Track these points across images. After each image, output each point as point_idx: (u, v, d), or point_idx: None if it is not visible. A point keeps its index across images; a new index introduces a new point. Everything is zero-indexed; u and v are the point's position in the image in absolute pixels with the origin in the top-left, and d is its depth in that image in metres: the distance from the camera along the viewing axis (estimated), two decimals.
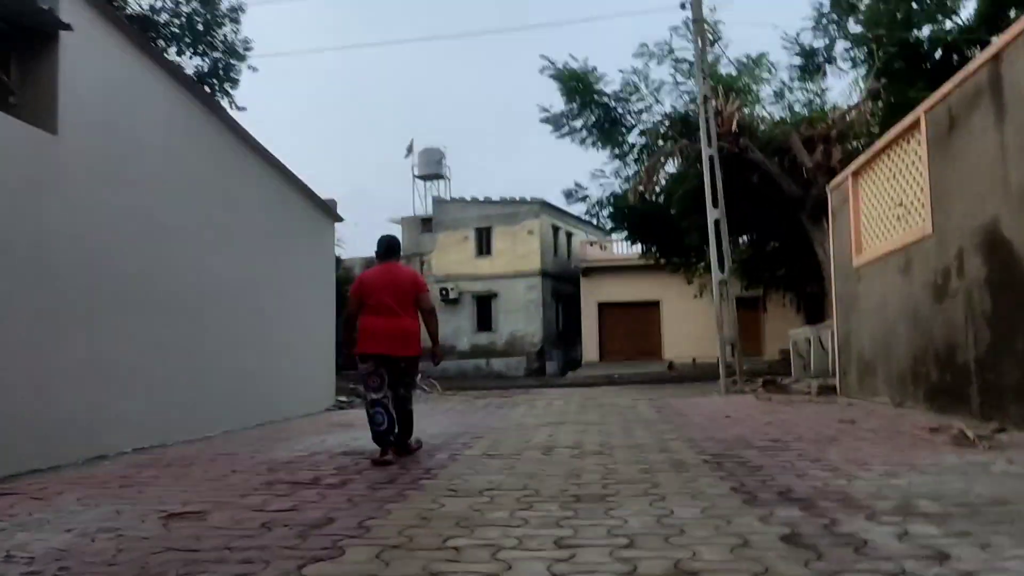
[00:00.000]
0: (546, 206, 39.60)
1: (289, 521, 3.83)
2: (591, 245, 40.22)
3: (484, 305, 39.36)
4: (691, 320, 36.16)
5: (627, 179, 18.38)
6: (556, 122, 18.75)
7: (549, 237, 40.01)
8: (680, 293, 34.64)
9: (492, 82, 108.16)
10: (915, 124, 8.65)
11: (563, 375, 36.19)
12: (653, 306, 37.83)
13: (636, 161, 18.35)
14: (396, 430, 6.12)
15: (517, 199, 39.76)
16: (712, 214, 13.86)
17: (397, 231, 43.08)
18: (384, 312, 6.13)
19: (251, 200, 10.23)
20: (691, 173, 16.50)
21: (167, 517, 3.96)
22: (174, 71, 8.20)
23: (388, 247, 6.53)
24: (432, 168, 44.60)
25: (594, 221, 20.29)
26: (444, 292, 38.84)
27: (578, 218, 43.19)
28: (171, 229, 8.02)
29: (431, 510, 4.05)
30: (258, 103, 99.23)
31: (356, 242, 64.46)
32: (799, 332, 15.63)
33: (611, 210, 19.98)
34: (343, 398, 13.03)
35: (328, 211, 12.88)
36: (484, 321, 39.32)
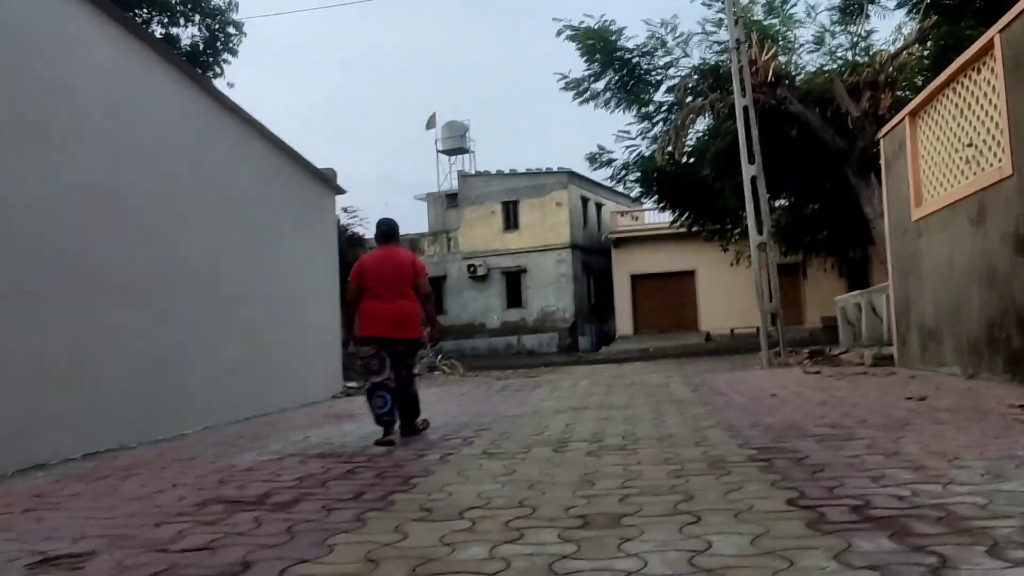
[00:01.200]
0: (574, 176, 38.33)
1: (189, 568, 2.84)
2: (622, 215, 38.94)
3: (513, 281, 38.33)
4: (728, 290, 34.90)
5: (655, 139, 17.07)
6: (577, 87, 17.42)
7: (578, 208, 38.79)
8: (716, 262, 33.42)
9: (514, 53, 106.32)
10: (986, 49, 7.38)
11: (596, 350, 35.13)
12: (688, 276, 36.60)
13: (664, 121, 17.05)
14: (397, 412, 6.21)
15: (544, 170, 38.53)
16: (748, 171, 12.62)
17: (422, 208, 42.22)
18: (383, 296, 6.16)
19: (229, 168, 9.25)
20: (724, 129, 15.21)
21: (37, 564, 2.99)
22: (121, 17, 7.16)
23: (387, 231, 6.51)
24: (456, 142, 43.48)
25: (620, 187, 18.89)
26: (472, 269, 37.90)
27: (608, 188, 41.88)
28: (123, 198, 7.04)
29: (387, 545, 3.04)
30: (275, 88, 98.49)
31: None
32: (847, 298, 14.38)
33: (638, 174, 18.58)
34: (353, 383, 12.09)
35: (327, 182, 11.84)
36: (514, 298, 38.32)
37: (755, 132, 12.55)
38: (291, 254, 10.70)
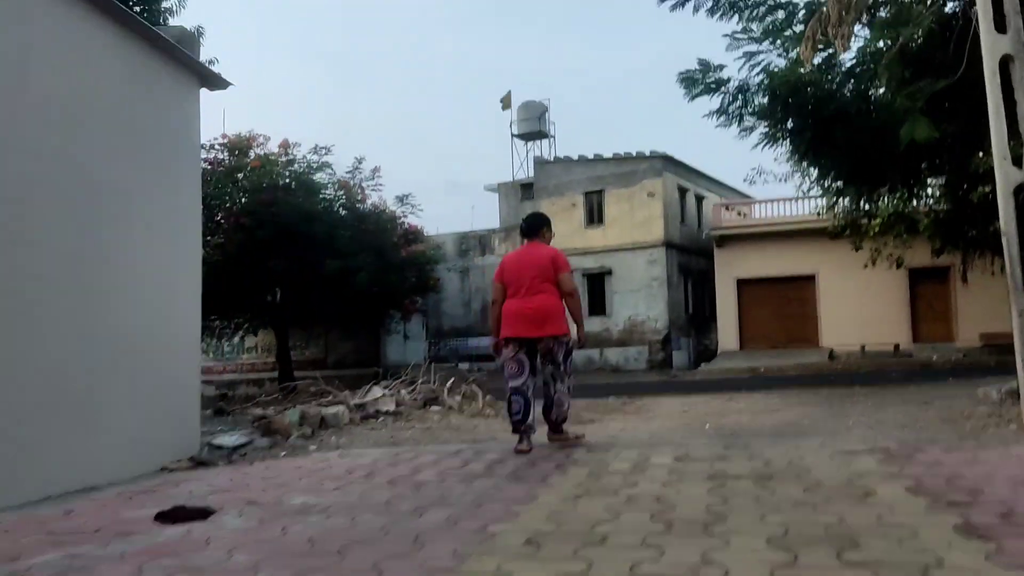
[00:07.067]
0: (670, 162, 32.26)
1: None
2: (727, 209, 32.60)
3: (596, 284, 32.39)
4: (857, 297, 28.59)
5: (794, 40, 10.40)
6: None
7: (674, 200, 32.62)
8: (842, 264, 27.36)
9: (602, 36, 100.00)
10: None
11: (694, 367, 29.12)
12: (806, 281, 30.23)
13: (804, 22, 10.67)
14: (534, 418, 5.97)
15: (634, 155, 32.60)
16: (995, 47, 6.47)
17: (493, 199, 36.97)
18: (521, 294, 5.99)
19: None
20: (916, 13, 8.96)
21: None
22: None
23: (528, 225, 6.43)
24: (532, 125, 37.95)
25: (734, 125, 11.95)
26: None
27: (709, 177, 35.68)
28: None
29: None
30: (345, 94, 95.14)
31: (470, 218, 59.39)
32: None
33: (764, 99, 11.67)
34: (227, 440, 6.54)
35: (183, 62, 6.24)
36: (596, 304, 32.31)
37: None
38: (98, 193, 5.33)
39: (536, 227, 6.33)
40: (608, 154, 33.15)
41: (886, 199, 16.83)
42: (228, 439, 6.52)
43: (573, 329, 6.16)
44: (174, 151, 6.35)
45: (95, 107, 5.50)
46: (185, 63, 6.33)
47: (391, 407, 8.63)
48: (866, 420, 7.60)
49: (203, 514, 3.95)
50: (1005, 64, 6.60)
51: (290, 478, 5.04)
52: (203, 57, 7.95)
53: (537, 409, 6.07)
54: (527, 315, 5.89)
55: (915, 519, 3.29)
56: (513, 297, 5.99)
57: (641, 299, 31.78)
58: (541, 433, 6.17)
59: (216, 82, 6.74)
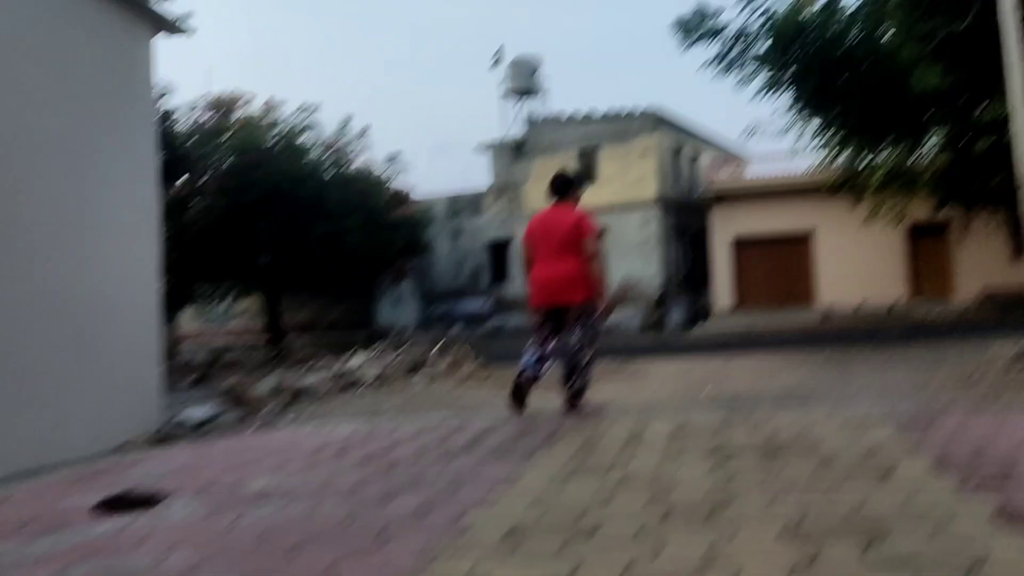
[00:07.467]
0: (663, 120, 31.58)
1: None
2: (722, 167, 31.99)
3: None
4: (855, 254, 28.04)
5: None
6: None
7: (668, 158, 32.00)
8: (839, 220, 26.87)
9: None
10: None
11: (691, 328, 28.74)
12: (802, 239, 29.73)
13: None
14: (544, 372, 5.91)
15: (627, 112, 31.89)
16: None
17: (484, 159, 36.37)
18: (545, 260, 5.95)
19: None
20: None
21: None
22: None
23: (555, 186, 6.23)
24: (524, 82, 37.08)
25: (735, 74, 11.45)
26: None
27: (704, 135, 35.04)
28: None
29: None
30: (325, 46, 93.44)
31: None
32: None
33: (767, 46, 11.13)
34: (199, 412, 6.13)
35: (132, 3, 5.70)
36: None
37: None
38: (24, 145, 4.84)
39: (564, 187, 6.19)
40: (601, 110, 32.49)
41: (888, 152, 16.38)
42: (194, 412, 6.11)
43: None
44: (124, 98, 5.82)
45: (28, 51, 4.98)
46: (133, 5, 5.79)
47: (374, 374, 8.24)
48: (873, 383, 7.23)
49: (151, 501, 3.56)
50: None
51: (255, 456, 4.65)
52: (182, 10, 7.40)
53: (549, 369, 5.95)
54: (552, 284, 5.86)
55: (947, 502, 2.90)
56: (540, 263, 5.96)
57: (635, 259, 31.30)
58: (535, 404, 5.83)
59: (172, 27, 6.19)
